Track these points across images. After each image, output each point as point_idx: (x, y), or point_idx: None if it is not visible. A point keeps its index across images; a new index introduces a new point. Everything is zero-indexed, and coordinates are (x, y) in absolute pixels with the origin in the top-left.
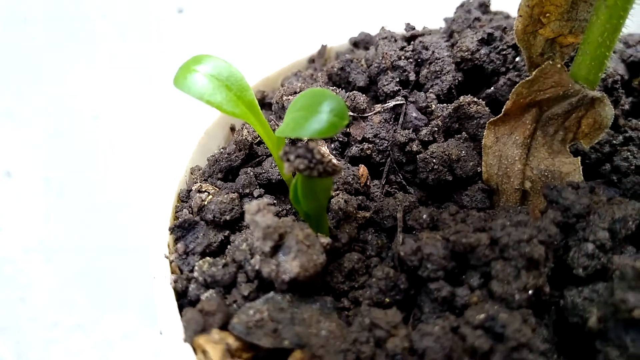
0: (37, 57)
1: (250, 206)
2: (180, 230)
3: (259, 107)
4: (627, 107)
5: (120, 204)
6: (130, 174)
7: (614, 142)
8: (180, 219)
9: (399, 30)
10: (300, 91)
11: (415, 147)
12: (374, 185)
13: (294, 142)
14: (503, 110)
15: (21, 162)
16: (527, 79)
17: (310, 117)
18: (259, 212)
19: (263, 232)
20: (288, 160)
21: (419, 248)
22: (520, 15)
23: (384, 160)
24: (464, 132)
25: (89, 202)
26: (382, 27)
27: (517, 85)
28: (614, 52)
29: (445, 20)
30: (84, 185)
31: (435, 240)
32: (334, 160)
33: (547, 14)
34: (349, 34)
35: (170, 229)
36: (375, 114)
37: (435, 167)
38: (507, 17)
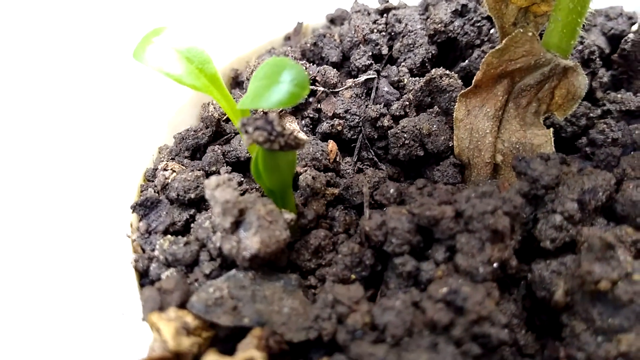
0: None
1: (210, 181)
2: (143, 208)
3: (222, 81)
4: (605, 79)
5: (102, 167)
6: (112, 138)
7: (591, 115)
8: (142, 197)
9: (376, 4)
10: None
11: (386, 122)
12: (345, 162)
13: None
14: (474, 81)
15: None
16: (497, 47)
17: (271, 87)
18: (218, 187)
19: (222, 207)
20: (247, 132)
21: (384, 222)
22: None
23: (355, 136)
24: (436, 106)
25: (68, 169)
26: (356, 1)
27: (487, 54)
28: (595, 26)
29: None
30: (60, 152)
31: (400, 214)
32: (299, 134)
33: None
34: (327, 10)
35: (132, 207)
36: (346, 89)
37: (407, 142)
38: None
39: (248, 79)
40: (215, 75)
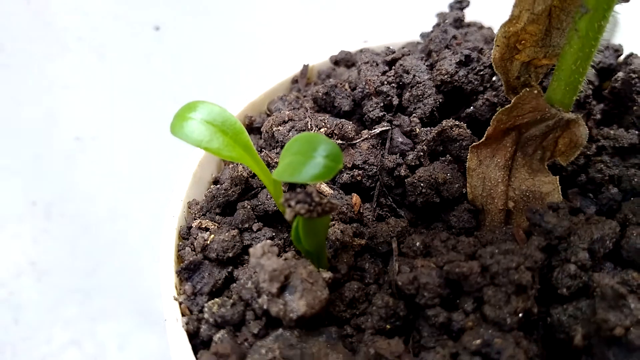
0: (13, 82)
1: (255, 250)
2: (187, 272)
3: (254, 149)
4: (598, 116)
5: (106, 221)
6: (114, 192)
7: (588, 152)
8: (186, 261)
9: (377, 43)
10: (289, 120)
11: (403, 171)
12: (365, 209)
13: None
14: (485, 135)
15: (5, 187)
16: (507, 106)
17: (306, 162)
18: (264, 256)
19: (269, 275)
20: (289, 206)
21: (415, 277)
22: (498, 45)
23: (373, 184)
24: (448, 155)
25: (76, 222)
26: (362, 50)
27: (497, 112)
28: None
29: (422, 36)
30: (69, 206)
31: (429, 269)
32: (332, 199)
33: (523, 42)
34: (329, 50)
35: (177, 272)
36: (362, 140)
37: (423, 190)
38: (481, 27)
39: (267, 132)
40: (248, 144)
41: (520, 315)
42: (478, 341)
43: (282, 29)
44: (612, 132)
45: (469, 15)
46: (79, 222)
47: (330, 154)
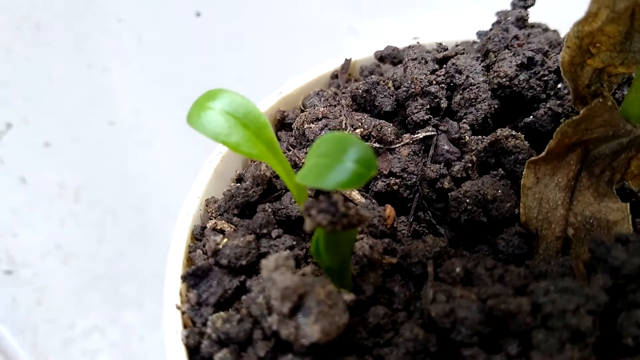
0: (51, 63)
1: (268, 262)
2: (194, 278)
3: (278, 146)
4: None
5: (134, 209)
6: (144, 180)
7: None
8: (193, 267)
9: (427, 41)
10: (323, 117)
11: (446, 184)
12: (400, 223)
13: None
14: (545, 149)
15: (36, 168)
16: (574, 118)
17: (334, 166)
18: (277, 270)
19: (281, 293)
20: (310, 215)
21: (452, 310)
22: (568, 47)
23: (411, 196)
24: (500, 169)
25: (104, 207)
26: (411, 46)
27: (562, 124)
28: None
29: (479, 34)
30: (99, 190)
31: (470, 301)
32: (360, 210)
33: (598, 44)
34: (375, 46)
35: (182, 277)
36: (403, 145)
37: (469, 207)
38: (546, 29)
39: (298, 129)
40: (272, 140)
41: None
42: None
43: (328, 20)
44: None
45: (532, 16)
46: (107, 208)
47: (361, 158)
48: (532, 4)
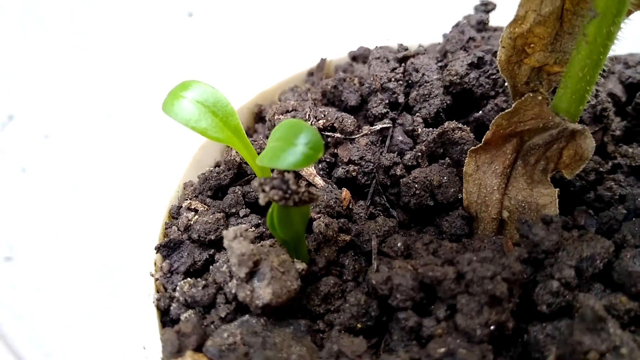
0: (50, 57)
1: (228, 232)
2: (166, 249)
3: (244, 132)
4: (618, 132)
5: (132, 200)
6: (142, 172)
7: (601, 169)
8: (166, 239)
9: (401, 42)
10: (292, 110)
11: (399, 171)
12: (358, 206)
13: None
14: (483, 139)
15: (35, 158)
16: (507, 110)
17: (287, 149)
18: (235, 239)
19: (238, 259)
20: (263, 191)
21: (389, 278)
22: (503, 47)
23: (369, 182)
24: (447, 158)
25: (102, 198)
26: (376, 47)
27: (497, 116)
28: (613, 73)
29: (444, 36)
30: (96, 181)
31: (405, 270)
32: (315, 178)
33: (532, 45)
34: (350, 46)
35: (156, 248)
36: (362, 136)
37: (417, 192)
38: None
39: (270, 120)
40: (238, 127)
41: (492, 327)
42: (442, 349)
43: (313, 21)
44: (630, 150)
45: (500, 21)
46: (103, 199)
47: (311, 141)
48: (493, 9)
